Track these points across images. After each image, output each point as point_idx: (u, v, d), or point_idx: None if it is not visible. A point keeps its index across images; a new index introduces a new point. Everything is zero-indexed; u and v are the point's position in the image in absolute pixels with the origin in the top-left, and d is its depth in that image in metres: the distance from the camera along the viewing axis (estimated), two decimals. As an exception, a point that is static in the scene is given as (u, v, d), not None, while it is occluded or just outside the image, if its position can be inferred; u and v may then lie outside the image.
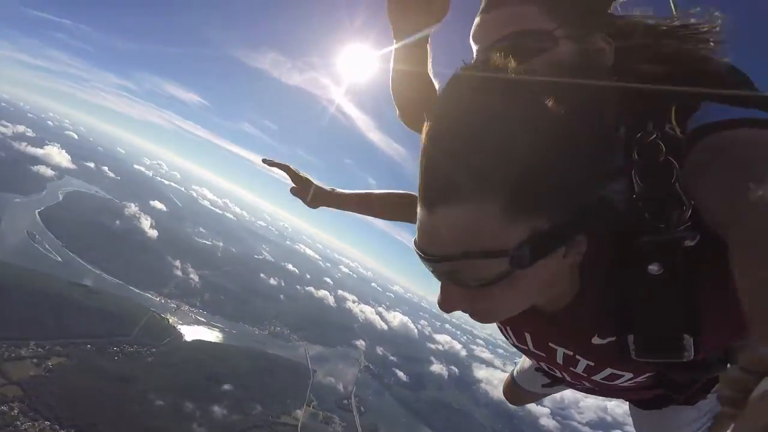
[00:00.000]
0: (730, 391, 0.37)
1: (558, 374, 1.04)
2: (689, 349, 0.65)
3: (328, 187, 1.64)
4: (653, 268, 0.65)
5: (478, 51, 0.90)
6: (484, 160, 0.57)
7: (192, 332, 77.84)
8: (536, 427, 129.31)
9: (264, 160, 1.58)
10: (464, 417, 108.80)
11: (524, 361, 1.70)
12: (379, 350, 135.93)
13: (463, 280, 0.65)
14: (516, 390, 1.77)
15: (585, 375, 0.91)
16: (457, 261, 0.62)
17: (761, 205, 0.45)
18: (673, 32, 0.87)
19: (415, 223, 1.24)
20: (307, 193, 1.61)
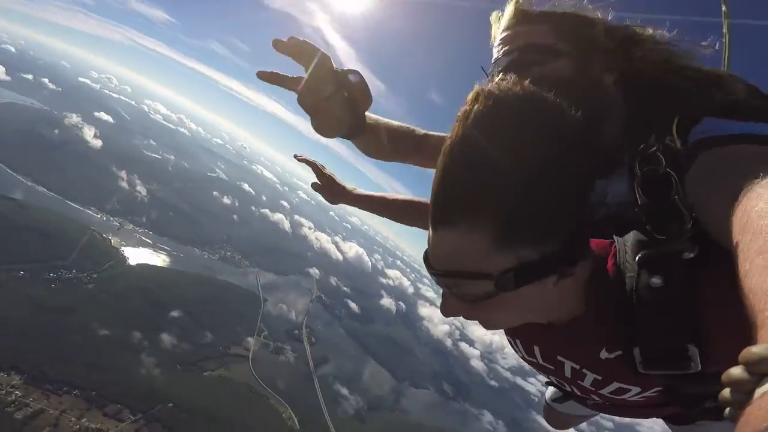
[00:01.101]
0: (731, 392, 0.37)
1: (567, 388, 1.07)
2: (695, 360, 0.65)
3: (349, 186, 1.71)
4: (655, 280, 0.67)
5: (492, 64, 1.04)
6: (479, 192, 0.63)
7: (136, 255, 73.79)
8: (467, 369, 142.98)
9: (295, 156, 1.61)
10: (407, 353, 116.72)
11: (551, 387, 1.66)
12: (333, 281, 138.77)
13: (458, 293, 0.74)
14: (553, 414, 1.75)
15: (592, 389, 0.94)
16: (449, 278, 0.72)
17: (761, 217, 0.47)
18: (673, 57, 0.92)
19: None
20: (328, 189, 1.69)
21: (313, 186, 1.69)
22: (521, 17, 1.02)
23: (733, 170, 0.63)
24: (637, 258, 0.71)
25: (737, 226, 0.52)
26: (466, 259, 0.68)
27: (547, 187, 0.63)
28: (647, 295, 0.69)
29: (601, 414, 1.30)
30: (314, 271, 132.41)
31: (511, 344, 1.11)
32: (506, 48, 1.01)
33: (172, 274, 74.06)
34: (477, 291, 0.71)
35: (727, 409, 0.38)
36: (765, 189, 0.51)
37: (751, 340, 0.38)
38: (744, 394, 0.35)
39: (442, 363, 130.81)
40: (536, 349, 1.00)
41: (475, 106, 0.65)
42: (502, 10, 1.07)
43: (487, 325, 0.82)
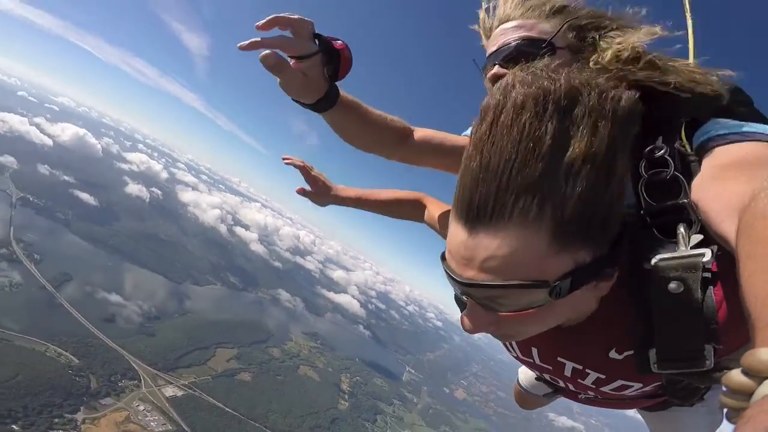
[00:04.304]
0: (731, 395, 0.39)
1: (561, 384, 1.11)
2: (710, 358, 0.70)
3: (338, 187, 1.77)
4: (672, 286, 0.70)
5: (489, 55, 1.11)
6: (541, 183, 0.58)
7: None
8: (247, 255, 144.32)
9: (284, 159, 1.70)
10: (176, 249, 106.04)
11: (526, 370, 1.79)
12: (44, 170, 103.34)
13: (495, 306, 0.69)
14: (526, 396, 1.85)
15: (593, 387, 0.98)
16: (494, 289, 0.64)
17: (760, 212, 0.50)
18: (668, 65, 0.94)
19: (418, 221, 1.38)
20: (316, 193, 1.73)
21: (299, 191, 1.72)
22: (519, 11, 1.09)
23: (736, 171, 0.67)
24: (653, 263, 0.72)
25: (741, 226, 0.54)
26: (519, 266, 0.62)
27: (605, 183, 0.61)
28: (666, 301, 0.71)
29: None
30: (8, 160, 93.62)
31: (504, 344, 1.12)
32: (505, 39, 1.07)
33: None
34: (524, 301, 0.66)
35: (726, 411, 0.40)
36: (763, 188, 0.53)
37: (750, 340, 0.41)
38: (744, 396, 0.37)
39: (220, 253, 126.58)
40: (534, 350, 1.01)
41: (515, 93, 0.62)
42: (493, 4, 1.15)
43: (514, 338, 0.80)
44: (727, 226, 0.59)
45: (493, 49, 1.10)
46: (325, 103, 1.11)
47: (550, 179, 0.59)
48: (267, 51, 0.95)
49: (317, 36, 1.02)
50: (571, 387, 1.08)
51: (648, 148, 0.81)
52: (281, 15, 0.95)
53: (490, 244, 0.62)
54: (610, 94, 0.63)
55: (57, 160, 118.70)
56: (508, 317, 0.69)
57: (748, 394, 0.36)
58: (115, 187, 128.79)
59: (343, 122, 1.21)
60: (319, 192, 1.73)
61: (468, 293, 0.70)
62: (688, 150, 0.80)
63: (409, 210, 1.70)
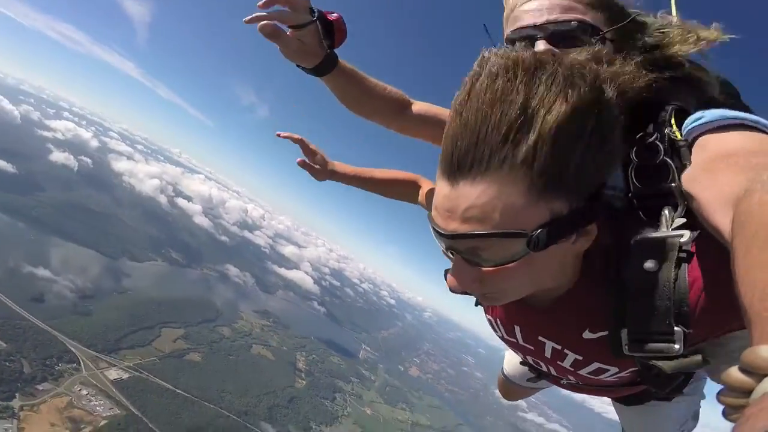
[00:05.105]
0: (730, 392, 0.39)
1: (543, 368, 1.14)
2: (680, 342, 0.73)
3: (335, 163, 1.80)
4: (648, 264, 0.74)
5: (519, 29, 1.05)
6: (515, 135, 0.63)
7: None
8: (191, 229, 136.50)
9: (278, 134, 1.70)
10: (110, 221, 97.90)
11: (511, 357, 1.87)
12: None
13: (477, 259, 0.72)
14: (509, 385, 1.93)
15: (572, 369, 1.01)
16: (475, 239, 0.69)
17: (755, 205, 0.50)
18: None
19: (412, 202, 1.51)
20: (314, 166, 1.75)
21: (300, 163, 1.73)
22: None
23: (727, 161, 0.68)
24: (632, 242, 0.77)
25: (736, 219, 0.54)
26: (497, 214, 0.66)
27: (576, 136, 0.65)
28: (640, 278, 0.75)
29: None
30: None
31: (490, 324, 1.18)
32: (556, 16, 1.01)
33: None
34: (504, 253, 0.70)
35: (725, 409, 0.40)
36: (754, 176, 0.55)
37: (729, 325, 0.43)
38: (743, 394, 0.37)
39: (160, 226, 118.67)
40: (517, 329, 1.06)
41: (490, 64, 0.69)
42: None
43: (498, 298, 0.82)
44: (719, 217, 0.61)
45: (534, 21, 1.03)
46: (324, 67, 1.26)
47: (523, 133, 0.63)
48: (264, 22, 1.13)
49: (312, 10, 1.18)
50: (552, 371, 1.11)
51: (639, 135, 0.86)
52: None
53: (470, 193, 0.66)
54: (585, 69, 0.68)
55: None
56: (490, 272, 0.73)
57: (747, 392, 0.37)
58: (38, 155, 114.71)
59: (343, 87, 1.33)
60: (318, 166, 1.75)
61: (452, 246, 0.74)
62: (678, 136, 0.83)
63: (404, 190, 1.75)
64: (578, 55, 0.76)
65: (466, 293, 0.81)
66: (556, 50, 0.96)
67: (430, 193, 1.53)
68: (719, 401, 0.41)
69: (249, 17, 1.13)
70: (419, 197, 1.66)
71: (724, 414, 0.40)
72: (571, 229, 0.71)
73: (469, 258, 0.73)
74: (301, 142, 1.70)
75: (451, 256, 0.78)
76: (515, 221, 0.66)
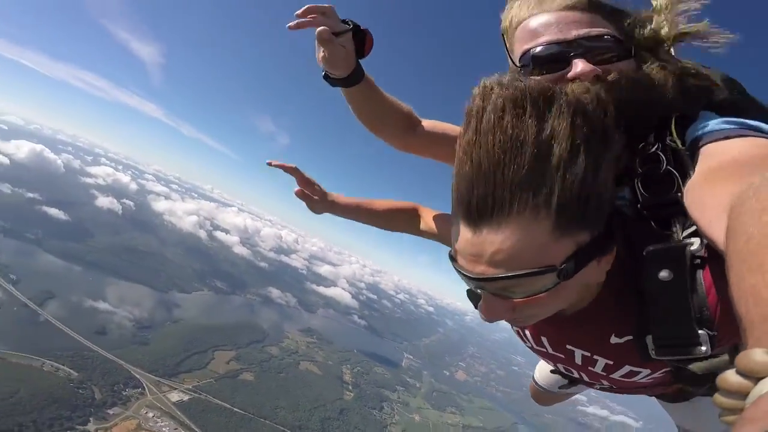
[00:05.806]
0: (727, 395, 0.39)
1: (575, 375, 1.14)
2: (706, 344, 0.74)
3: (333, 194, 1.72)
4: (663, 274, 0.75)
5: (547, 45, 0.93)
6: (532, 177, 0.63)
7: None
8: (231, 259, 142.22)
9: (269, 163, 1.61)
10: (157, 259, 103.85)
11: (542, 365, 1.90)
12: (5, 188, 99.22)
13: (508, 294, 0.73)
14: (541, 392, 1.96)
15: (604, 374, 1.01)
16: (505, 281, 0.69)
17: (746, 212, 0.50)
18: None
19: (413, 233, 1.53)
20: (313, 197, 1.67)
21: (297, 193, 1.65)
22: (595, 5, 0.95)
23: (726, 172, 0.68)
24: (645, 252, 0.78)
25: (729, 226, 0.54)
26: (524, 255, 0.66)
27: (593, 169, 0.66)
28: (657, 289, 0.76)
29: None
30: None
31: (518, 335, 1.18)
32: (586, 32, 0.91)
33: None
34: (535, 287, 0.71)
35: (722, 412, 0.41)
36: (760, 188, 0.53)
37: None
38: (739, 397, 0.37)
39: (203, 259, 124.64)
40: (544, 339, 1.07)
41: (494, 97, 0.68)
42: None
43: (529, 322, 0.84)
44: (715, 228, 0.61)
45: (563, 36, 0.92)
46: (355, 77, 1.26)
47: (540, 172, 0.63)
48: (322, 27, 1.14)
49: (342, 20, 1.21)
50: (584, 377, 1.10)
51: (641, 145, 0.86)
52: (313, 4, 1.15)
53: (495, 239, 0.66)
54: (590, 92, 0.70)
55: (16, 178, 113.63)
56: (523, 302, 0.74)
57: (743, 395, 0.37)
58: (84, 201, 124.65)
59: (363, 99, 1.34)
60: (316, 196, 1.68)
61: (481, 287, 0.74)
62: (679, 145, 0.84)
63: (404, 220, 1.69)
64: (625, 71, 0.79)
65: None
66: (598, 69, 0.88)
67: (438, 218, 1.56)
68: (715, 403, 0.41)
69: (293, 23, 1.13)
70: (421, 226, 1.64)
71: (719, 415, 0.41)
72: (596, 253, 0.73)
73: (499, 294, 0.74)
74: (295, 172, 1.61)
75: (478, 292, 0.78)
76: (543, 259, 0.67)
